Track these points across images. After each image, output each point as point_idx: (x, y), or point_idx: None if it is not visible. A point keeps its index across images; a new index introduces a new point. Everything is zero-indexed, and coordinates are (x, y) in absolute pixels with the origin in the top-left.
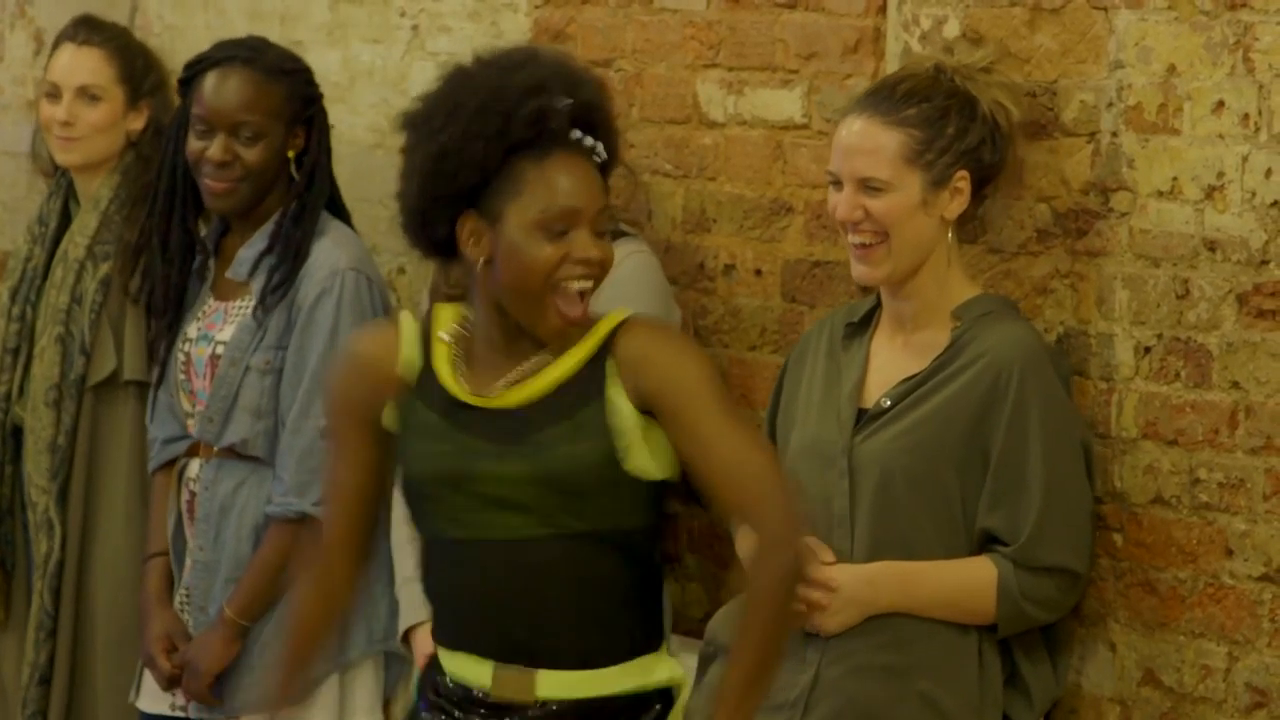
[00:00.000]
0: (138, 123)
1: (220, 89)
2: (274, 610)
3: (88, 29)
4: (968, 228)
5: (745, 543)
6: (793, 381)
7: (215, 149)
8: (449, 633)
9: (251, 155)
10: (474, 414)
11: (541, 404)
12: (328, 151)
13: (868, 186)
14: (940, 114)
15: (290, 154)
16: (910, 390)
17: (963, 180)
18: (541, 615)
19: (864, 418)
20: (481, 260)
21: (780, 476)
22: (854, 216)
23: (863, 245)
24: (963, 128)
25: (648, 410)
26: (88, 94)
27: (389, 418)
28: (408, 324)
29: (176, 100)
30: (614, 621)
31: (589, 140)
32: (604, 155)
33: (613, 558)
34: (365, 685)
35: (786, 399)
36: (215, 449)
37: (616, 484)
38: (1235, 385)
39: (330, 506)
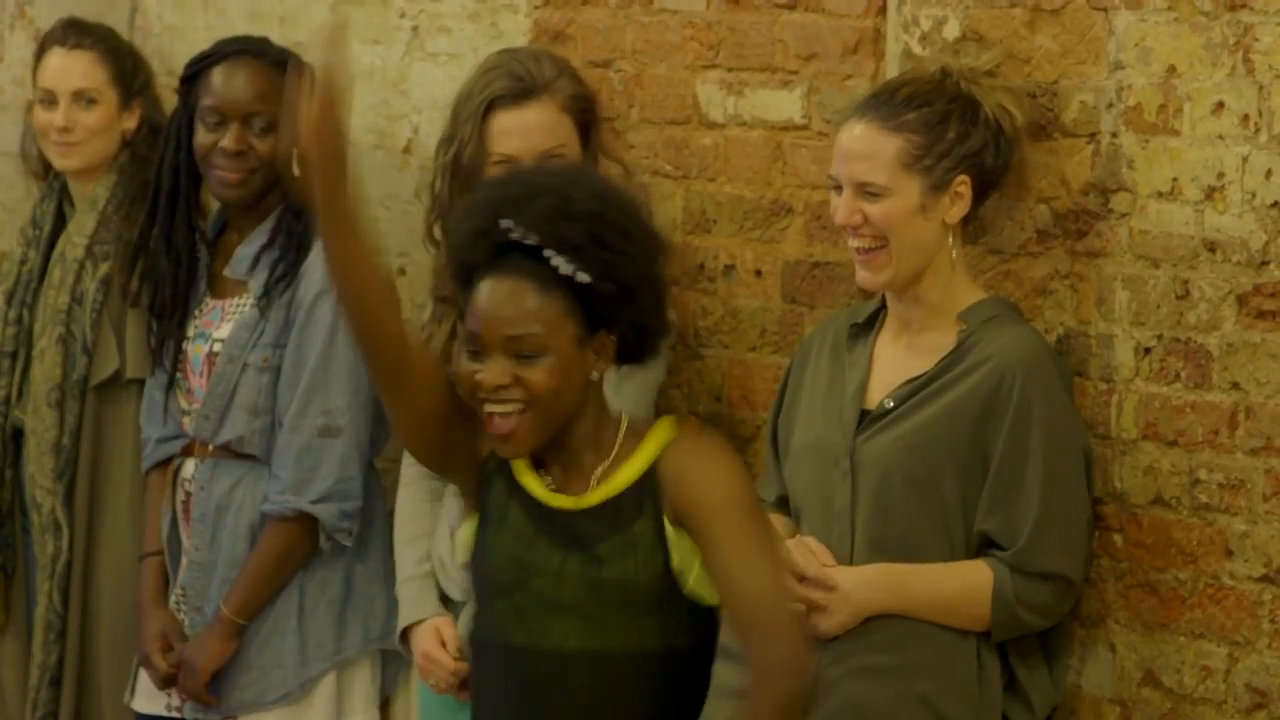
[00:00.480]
0: (131, 122)
1: (232, 80)
2: (270, 609)
3: (77, 32)
4: (968, 229)
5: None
6: (796, 382)
7: (229, 139)
8: None
9: (264, 146)
10: (538, 507)
11: (598, 513)
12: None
13: (866, 191)
14: (941, 118)
15: (294, 150)
16: (914, 392)
17: (963, 185)
18: None
19: (867, 418)
20: None
21: (788, 609)
22: (852, 221)
23: (864, 250)
24: (964, 132)
25: (680, 525)
26: (84, 98)
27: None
28: None
29: (164, 98)
30: None
31: (535, 259)
32: (573, 272)
33: (660, 679)
34: (362, 683)
35: (789, 399)
36: (211, 447)
37: (668, 602)
38: (1235, 386)
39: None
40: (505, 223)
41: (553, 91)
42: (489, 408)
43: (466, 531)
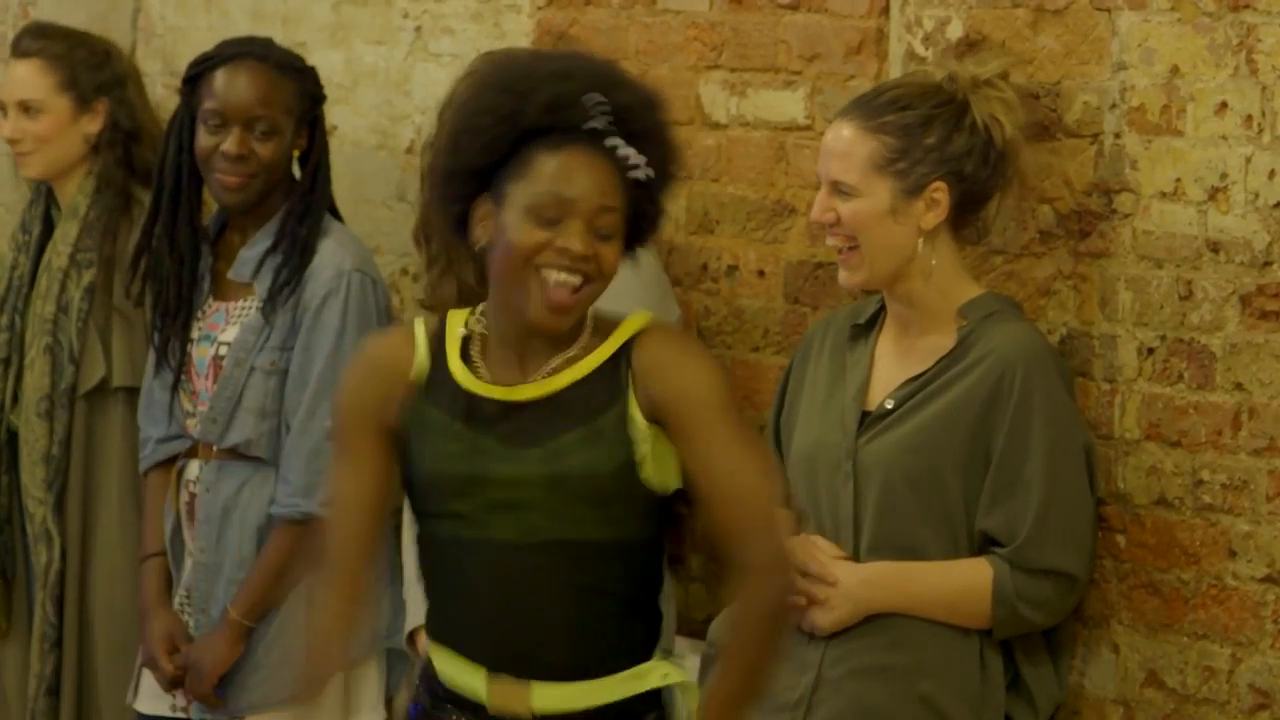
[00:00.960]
0: (94, 125)
1: (234, 83)
2: (278, 611)
3: (30, 38)
4: (966, 233)
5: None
6: (796, 382)
7: (230, 143)
8: (442, 631)
9: (266, 150)
10: (487, 410)
11: (558, 403)
12: (328, 152)
13: (839, 190)
14: (921, 122)
15: (295, 153)
16: (914, 392)
17: (939, 191)
18: (539, 625)
19: (867, 420)
20: (485, 243)
21: (774, 505)
22: (825, 218)
23: (840, 249)
24: (945, 138)
25: (656, 420)
26: (28, 107)
27: (399, 420)
28: (420, 328)
29: (139, 95)
30: (612, 632)
31: (613, 141)
32: (639, 166)
33: (616, 568)
34: (369, 682)
35: (790, 400)
36: (217, 449)
37: (630, 495)
38: (1238, 387)
39: (338, 515)
40: (593, 98)
41: None
42: (560, 275)
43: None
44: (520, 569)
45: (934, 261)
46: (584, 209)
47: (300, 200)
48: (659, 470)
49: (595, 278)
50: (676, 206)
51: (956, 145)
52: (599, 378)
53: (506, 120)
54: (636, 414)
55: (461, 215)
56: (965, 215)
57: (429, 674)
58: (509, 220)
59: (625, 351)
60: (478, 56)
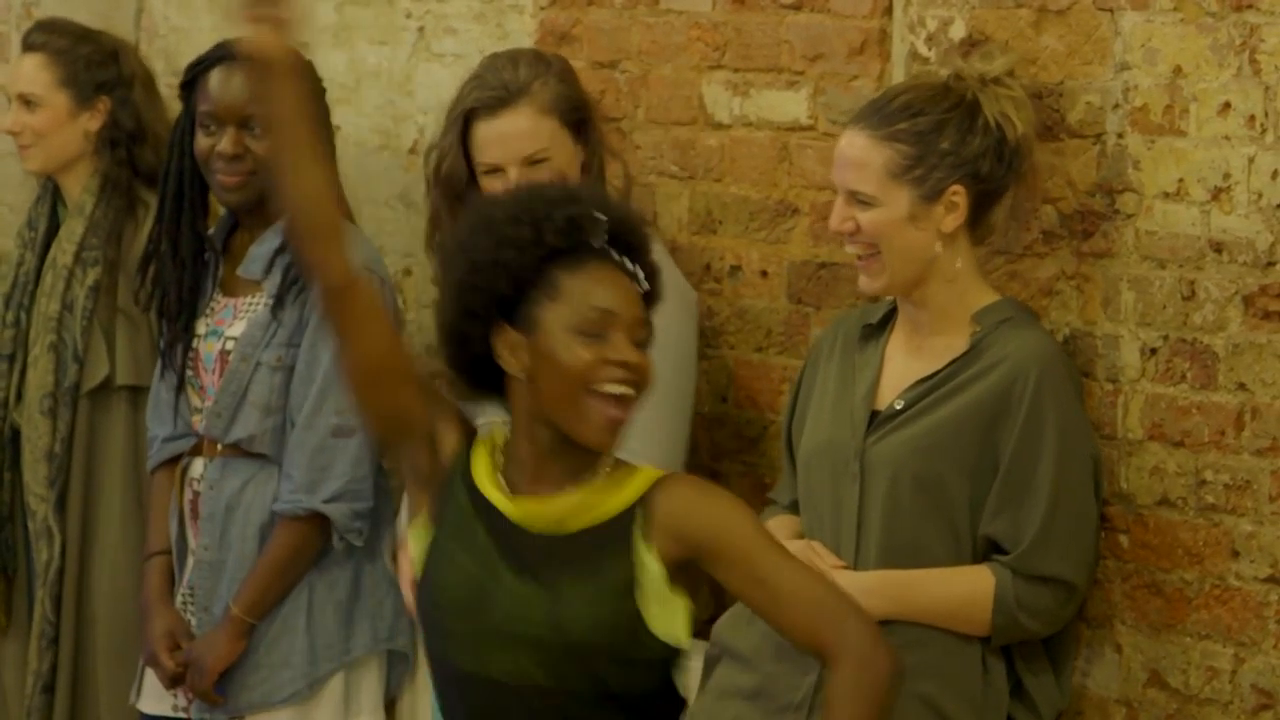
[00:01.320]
0: (94, 123)
1: (227, 84)
2: (279, 608)
3: (38, 32)
4: (976, 233)
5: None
6: (808, 384)
7: (225, 143)
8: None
9: (262, 148)
10: (504, 525)
11: (569, 541)
12: (333, 146)
13: (858, 200)
14: (935, 127)
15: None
16: (925, 393)
17: (958, 194)
18: None
19: (876, 420)
20: (521, 373)
21: (846, 595)
22: (845, 228)
23: (860, 257)
24: (960, 140)
25: (682, 567)
26: (27, 101)
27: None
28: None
29: (146, 96)
30: None
31: (623, 259)
32: (643, 282)
33: (620, 717)
34: (370, 684)
35: (802, 402)
36: (221, 446)
37: (634, 648)
38: (1241, 387)
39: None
40: (599, 216)
41: (530, 96)
42: (619, 389)
43: (417, 542)
44: (523, 711)
45: (958, 264)
46: (626, 320)
47: None
48: (670, 623)
49: (643, 387)
50: (679, 207)
51: (971, 147)
52: (614, 527)
53: (528, 248)
54: (651, 564)
55: (481, 354)
56: (982, 215)
57: None
58: (554, 345)
59: (643, 501)
60: (482, 61)
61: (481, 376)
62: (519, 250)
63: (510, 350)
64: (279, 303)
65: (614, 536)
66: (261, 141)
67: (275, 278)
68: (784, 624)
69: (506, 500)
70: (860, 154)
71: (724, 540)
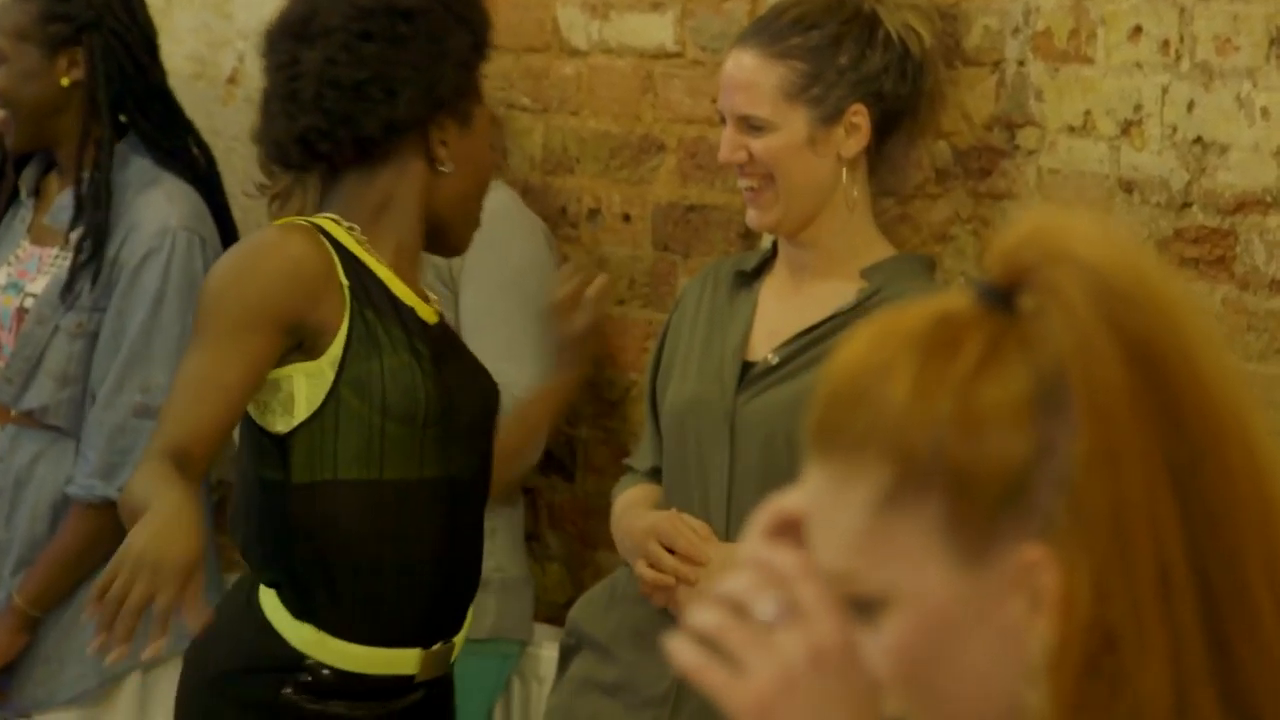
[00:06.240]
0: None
1: None
2: (70, 601)
3: None
4: (874, 167)
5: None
6: (674, 337)
7: None
8: (376, 628)
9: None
10: (421, 327)
11: (443, 328)
12: (112, 79)
13: (749, 125)
14: (831, 41)
15: (64, 82)
16: (804, 348)
17: (859, 115)
18: (477, 565)
19: (749, 375)
20: (449, 166)
21: None
22: (736, 158)
23: (751, 189)
24: (859, 56)
25: None
26: None
27: (329, 330)
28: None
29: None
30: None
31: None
32: None
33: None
34: (169, 687)
35: (667, 358)
36: (12, 413)
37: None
38: None
39: (210, 406)
40: None
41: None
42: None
43: (317, 382)
44: (466, 507)
45: (855, 192)
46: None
47: (84, 137)
48: None
49: None
50: (531, 143)
51: (872, 62)
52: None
53: (478, 50)
54: None
55: (361, 136)
56: (884, 141)
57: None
58: (480, 144)
59: None
60: None
61: (338, 156)
62: (472, 51)
63: (442, 142)
64: (83, 261)
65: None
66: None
67: (69, 225)
68: None
69: (416, 300)
70: (750, 75)
71: None
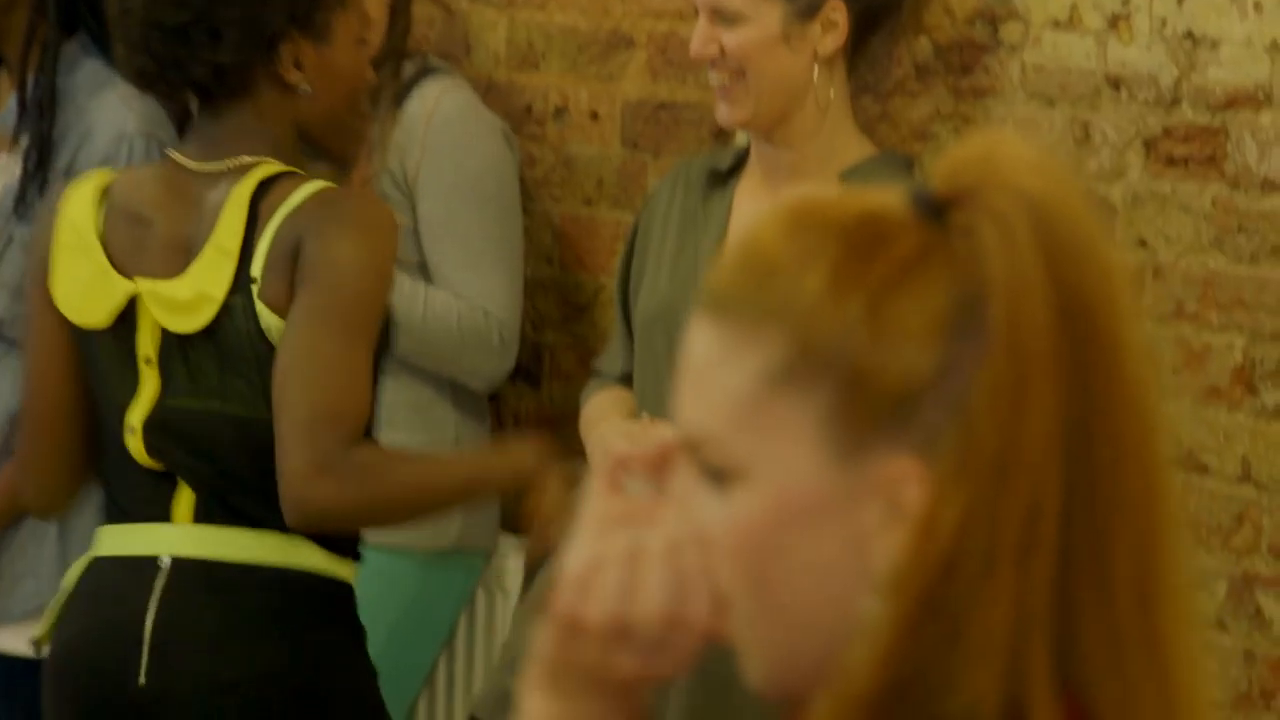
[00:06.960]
0: None
1: None
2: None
3: None
4: (854, 66)
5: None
6: (643, 240)
7: None
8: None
9: None
10: None
11: None
12: None
13: (721, 17)
14: None
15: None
16: None
17: (836, 11)
18: None
19: None
20: (304, 85)
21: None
22: (707, 51)
23: (722, 85)
24: None
25: None
26: None
27: None
28: None
29: None
30: None
31: None
32: None
33: None
34: None
35: (637, 261)
36: None
37: None
38: (1142, 243)
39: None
40: None
41: None
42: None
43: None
44: None
45: (831, 92)
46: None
47: (30, 35)
48: None
49: None
50: (495, 38)
51: None
52: None
53: None
54: None
55: (219, 64)
56: (862, 41)
57: None
58: (342, 54)
59: None
60: None
61: (180, 96)
62: None
63: (295, 61)
64: (36, 167)
65: None
66: None
67: (25, 142)
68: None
69: None
70: None
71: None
